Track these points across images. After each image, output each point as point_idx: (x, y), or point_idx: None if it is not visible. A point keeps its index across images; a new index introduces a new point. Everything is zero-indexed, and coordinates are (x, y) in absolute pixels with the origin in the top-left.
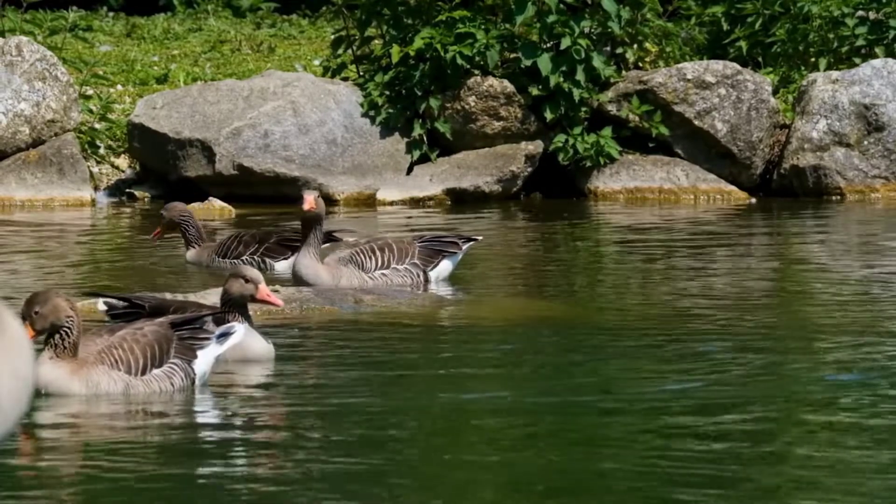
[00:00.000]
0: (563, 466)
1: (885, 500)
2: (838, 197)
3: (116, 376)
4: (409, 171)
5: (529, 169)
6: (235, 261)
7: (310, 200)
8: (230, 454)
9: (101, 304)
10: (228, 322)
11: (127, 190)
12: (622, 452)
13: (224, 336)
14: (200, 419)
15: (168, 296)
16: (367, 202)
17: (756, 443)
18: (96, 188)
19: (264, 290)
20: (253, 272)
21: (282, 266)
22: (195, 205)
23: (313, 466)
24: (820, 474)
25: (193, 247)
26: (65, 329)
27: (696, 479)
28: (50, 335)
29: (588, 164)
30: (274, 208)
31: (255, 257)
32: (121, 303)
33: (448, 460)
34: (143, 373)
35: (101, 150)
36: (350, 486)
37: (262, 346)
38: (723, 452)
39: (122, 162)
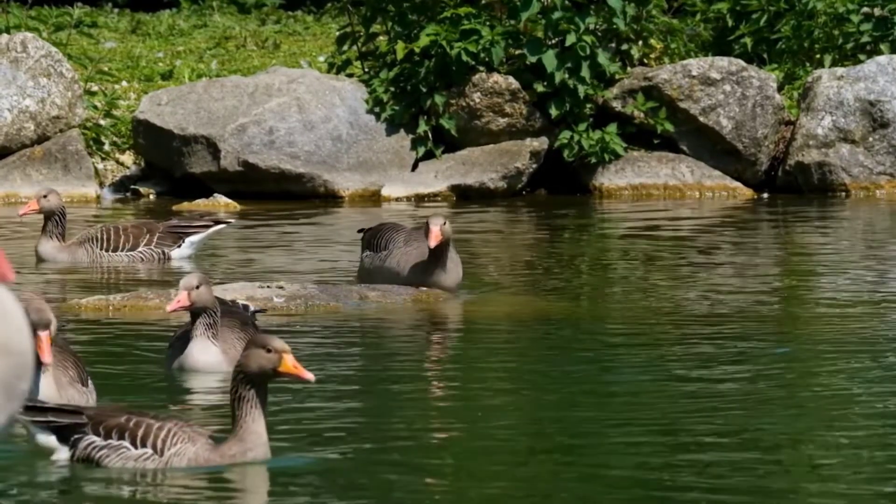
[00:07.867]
0: (566, 470)
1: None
2: (843, 193)
3: (81, 389)
4: (414, 167)
5: (534, 165)
6: (131, 253)
7: (436, 233)
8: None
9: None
10: None
11: (132, 186)
12: (624, 458)
13: None
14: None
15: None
16: (372, 199)
17: (769, 449)
18: (101, 185)
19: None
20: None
21: (176, 254)
22: (200, 201)
23: (311, 469)
24: (830, 482)
25: (55, 241)
26: None
27: (702, 487)
28: None
29: (593, 160)
30: (279, 204)
31: (153, 248)
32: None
33: (448, 461)
34: (86, 384)
35: (106, 147)
36: (350, 487)
37: (205, 358)
38: (733, 458)
39: (127, 158)
